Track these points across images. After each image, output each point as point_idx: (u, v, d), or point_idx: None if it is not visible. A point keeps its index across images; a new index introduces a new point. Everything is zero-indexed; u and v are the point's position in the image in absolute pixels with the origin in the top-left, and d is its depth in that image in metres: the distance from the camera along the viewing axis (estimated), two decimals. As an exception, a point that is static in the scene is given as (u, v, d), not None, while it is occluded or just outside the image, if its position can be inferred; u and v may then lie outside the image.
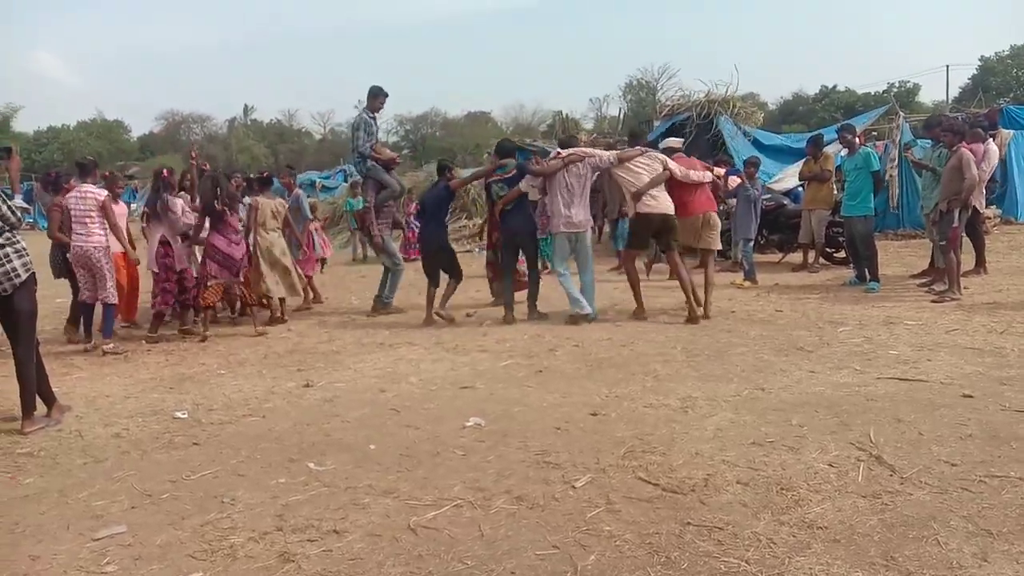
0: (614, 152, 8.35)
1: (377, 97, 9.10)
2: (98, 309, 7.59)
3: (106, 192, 7.54)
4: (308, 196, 20.10)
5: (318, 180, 28.79)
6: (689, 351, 6.44)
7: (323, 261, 13.43)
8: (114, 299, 7.47)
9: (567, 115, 23.83)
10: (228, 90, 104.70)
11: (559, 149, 8.39)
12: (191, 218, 8.05)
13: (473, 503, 3.59)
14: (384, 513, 3.50)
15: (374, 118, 9.12)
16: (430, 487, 3.79)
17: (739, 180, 11.20)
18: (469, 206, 17.62)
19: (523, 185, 8.07)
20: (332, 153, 57.71)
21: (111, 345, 7.27)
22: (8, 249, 4.79)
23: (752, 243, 10.71)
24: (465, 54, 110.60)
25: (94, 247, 7.27)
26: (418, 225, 9.99)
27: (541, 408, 5.05)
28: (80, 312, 7.74)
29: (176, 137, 68.25)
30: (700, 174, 8.15)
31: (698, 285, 8.01)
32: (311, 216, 10.14)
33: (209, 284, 7.74)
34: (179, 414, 5.18)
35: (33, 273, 4.98)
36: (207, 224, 7.82)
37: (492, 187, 8.47)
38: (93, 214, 7.27)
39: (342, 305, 9.93)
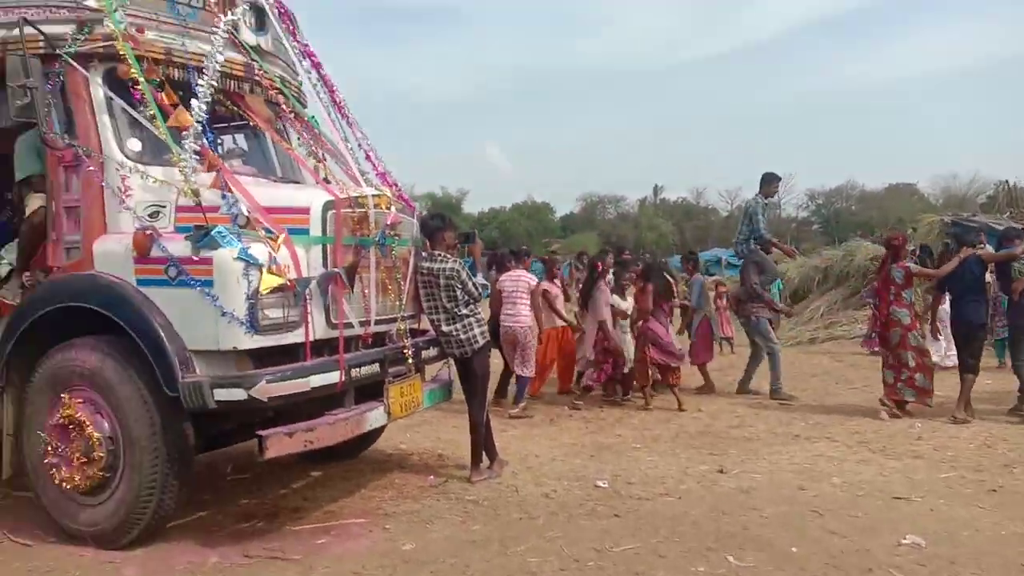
0: None
1: (771, 183, 9.05)
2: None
3: (535, 279, 8.37)
4: (713, 274, 20.30)
5: (724, 257, 28.83)
6: None
7: (728, 340, 13.29)
8: (529, 373, 8.15)
9: (1014, 183, 20.54)
10: (641, 170, 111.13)
11: None
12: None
13: (919, 637, 3.15)
14: (813, 627, 3.25)
15: (767, 204, 9.07)
16: (864, 608, 3.43)
17: None
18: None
19: None
20: (735, 230, 57.48)
21: (517, 410, 7.93)
22: (471, 319, 5.55)
23: None
24: (888, 122, 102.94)
25: (520, 327, 8.08)
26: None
27: (999, 537, 4.31)
28: (506, 380, 8.61)
29: (593, 216, 73.94)
30: None
31: None
32: (703, 305, 10.02)
33: (649, 369, 8.19)
34: (600, 483, 5.44)
35: (488, 341, 5.71)
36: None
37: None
38: (524, 297, 8.12)
39: (751, 389, 9.65)
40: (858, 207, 65.57)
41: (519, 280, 8.20)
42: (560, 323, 8.80)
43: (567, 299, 9.46)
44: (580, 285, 9.17)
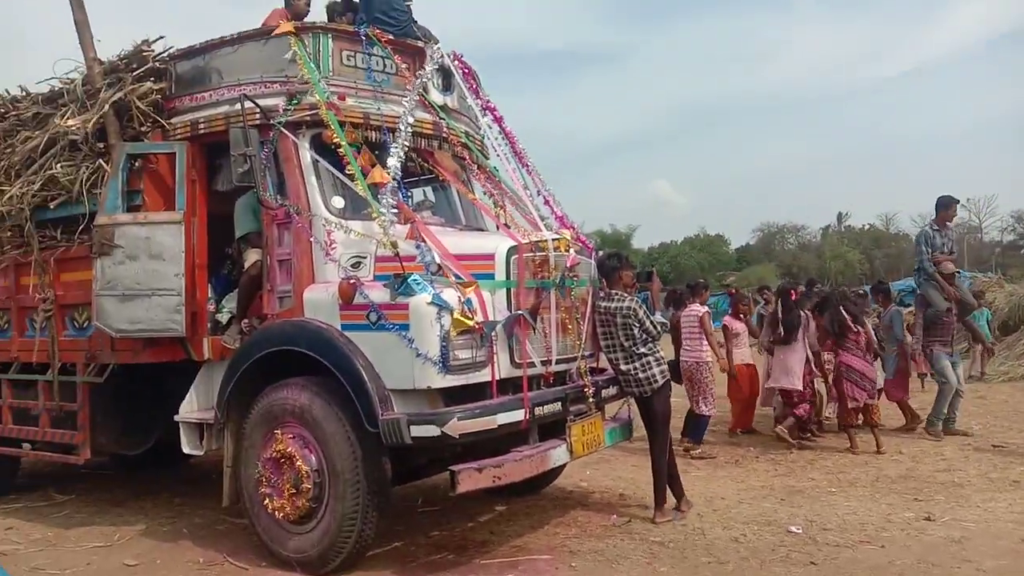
0: None
1: (947, 208, 8.43)
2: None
3: (706, 309, 8.14)
4: (908, 305, 18.78)
5: (897, 291, 26.69)
6: None
7: (926, 376, 12.28)
8: (707, 411, 7.89)
9: None
10: (822, 199, 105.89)
11: None
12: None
13: None
14: None
15: (939, 231, 8.44)
16: None
17: None
18: None
19: None
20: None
21: (698, 451, 7.75)
22: (650, 358, 5.52)
23: None
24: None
25: (696, 361, 7.91)
26: None
27: None
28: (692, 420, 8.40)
29: (770, 247, 71.15)
30: None
31: None
32: (902, 338, 9.28)
33: (850, 406, 7.79)
34: (794, 528, 5.21)
35: (669, 380, 5.65)
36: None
37: None
38: (697, 330, 7.96)
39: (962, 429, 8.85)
40: (1073, 227, 58.87)
41: (690, 314, 8.09)
42: (747, 360, 8.67)
43: (753, 335, 9.20)
44: (768, 318, 8.78)
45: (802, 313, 8.12)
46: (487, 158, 5.88)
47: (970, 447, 7.78)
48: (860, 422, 7.95)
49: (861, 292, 9.84)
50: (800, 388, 8.01)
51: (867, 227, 70.64)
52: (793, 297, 8.27)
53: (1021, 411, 10.00)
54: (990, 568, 4.34)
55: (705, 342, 7.94)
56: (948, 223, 8.61)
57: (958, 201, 8.69)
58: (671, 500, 5.60)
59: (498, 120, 5.78)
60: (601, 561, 4.74)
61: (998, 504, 5.65)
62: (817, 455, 7.62)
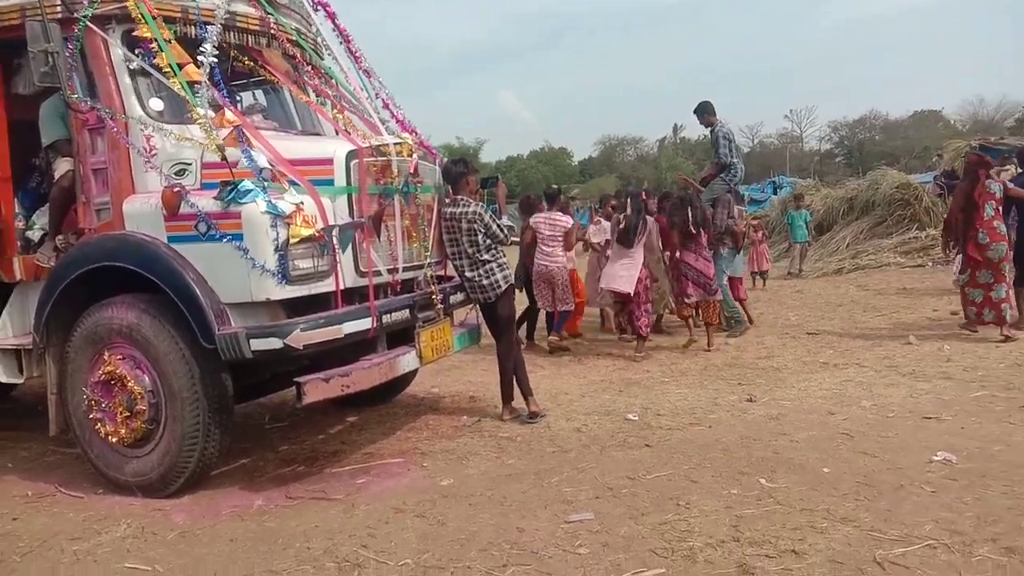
0: None
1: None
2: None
3: (570, 219, 8.37)
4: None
5: (747, 193, 28.51)
6: None
7: (763, 275, 13.34)
8: (570, 306, 8.26)
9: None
10: (659, 116, 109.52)
11: None
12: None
13: (950, 546, 3.23)
14: (845, 541, 3.33)
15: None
16: (895, 521, 3.51)
17: None
18: (921, 216, 15.89)
19: None
20: (760, 165, 56.68)
21: (555, 338, 8.19)
22: (493, 264, 5.57)
23: None
24: (910, 47, 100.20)
25: (558, 267, 8.12)
26: None
27: (1030, 450, 4.35)
28: (526, 318, 8.65)
29: (611, 159, 73.14)
30: None
31: None
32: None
33: (686, 302, 8.09)
34: (631, 416, 5.54)
35: (512, 285, 5.75)
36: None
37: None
38: (559, 238, 8.13)
39: (778, 321, 9.67)
40: (882, 137, 64.31)
41: (555, 223, 8.22)
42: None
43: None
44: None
45: (647, 218, 8.36)
46: (321, 58, 5.57)
47: (788, 336, 8.51)
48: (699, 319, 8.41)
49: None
50: (630, 291, 7.95)
51: (702, 138, 73.86)
52: (645, 201, 8.47)
53: (832, 303, 11.03)
54: (802, 439, 4.80)
55: (564, 247, 8.20)
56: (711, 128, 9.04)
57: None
58: (519, 399, 5.77)
59: (331, 16, 5.43)
60: (452, 459, 4.86)
61: (810, 384, 6.24)
62: (652, 349, 8.07)
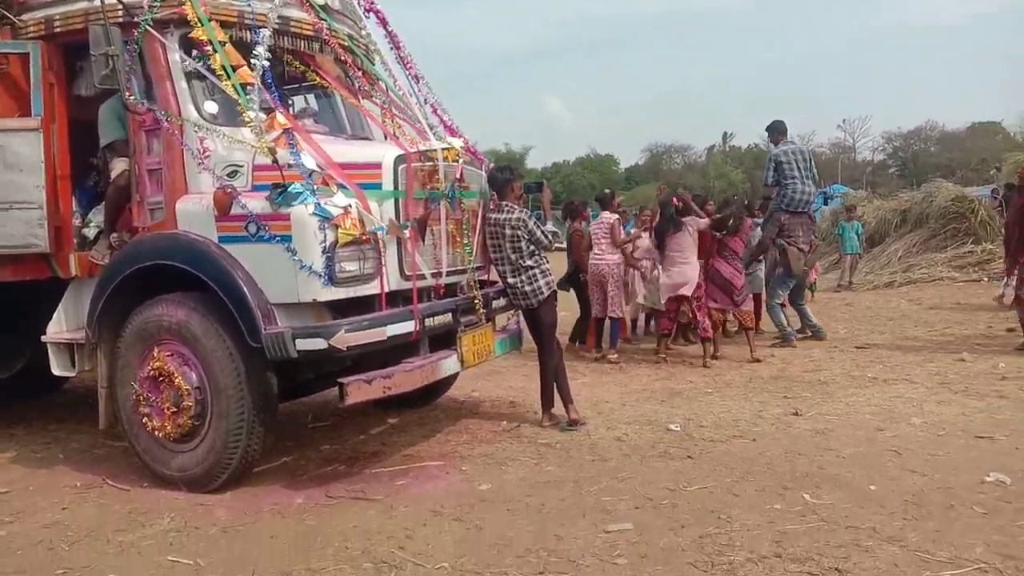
0: None
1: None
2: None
3: (616, 216, 8.37)
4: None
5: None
6: None
7: (811, 287, 13.00)
8: (621, 314, 8.22)
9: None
10: (709, 123, 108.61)
11: None
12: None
13: (1002, 571, 3.14)
14: (891, 561, 3.25)
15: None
16: (943, 543, 3.42)
17: None
18: (977, 229, 15.46)
19: None
20: (811, 176, 55.50)
21: (615, 356, 8.04)
22: (536, 271, 5.56)
23: None
24: (970, 57, 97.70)
25: (607, 266, 8.10)
26: None
27: (1090, 474, 4.19)
28: (583, 327, 8.67)
29: (658, 167, 72.60)
30: None
31: None
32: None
33: (711, 308, 8.00)
34: (672, 426, 5.48)
35: (555, 291, 5.74)
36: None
37: None
38: (606, 236, 8.12)
39: (827, 333, 9.47)
40: (938, 148, 62.82)
41: (602, 221, 8.28)
42: None
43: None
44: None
45: (682, 220, 8.24)
46: (372, 63, 5.63)
47: (836, 349, 8.35)
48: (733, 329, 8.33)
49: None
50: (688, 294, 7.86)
51: (752, 147, 72.98)
52: (675, 204, 8.34)
53: (882, 316, 10.80)
54: (849, 455, 4.70)
55: (614, 248, 8.15)
56: (778, 145, 8.94)
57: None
58: (560, 406, 5.74)
59: (383, 22, 5.51)
60: (491, 464, 4.86)
61: (858, 399, 6.11)
62: (696, 359, 7.97)
